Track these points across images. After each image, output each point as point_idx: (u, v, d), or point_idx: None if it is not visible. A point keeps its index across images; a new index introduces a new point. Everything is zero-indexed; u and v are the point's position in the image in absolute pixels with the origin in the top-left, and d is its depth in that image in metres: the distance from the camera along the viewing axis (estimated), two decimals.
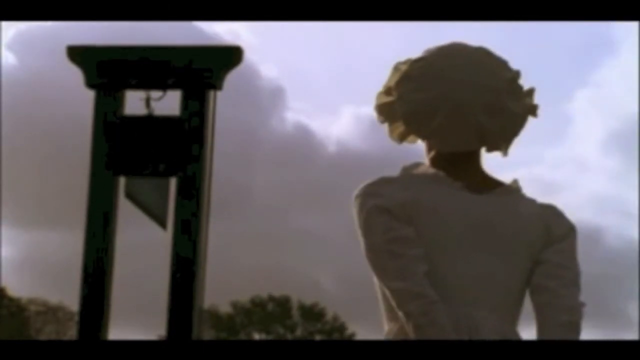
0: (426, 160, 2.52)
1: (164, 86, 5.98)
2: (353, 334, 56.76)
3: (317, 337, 57.13)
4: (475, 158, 2.49)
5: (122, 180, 6.01)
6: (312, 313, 57.54)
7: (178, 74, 5.92)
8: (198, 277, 5.77)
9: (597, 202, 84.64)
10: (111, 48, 6.07)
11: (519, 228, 2.44)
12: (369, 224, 2.38)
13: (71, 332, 48.90)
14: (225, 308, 56.83)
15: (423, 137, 2.50)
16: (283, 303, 57.72)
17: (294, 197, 65.99)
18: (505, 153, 2.54)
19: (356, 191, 2.45)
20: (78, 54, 6.03)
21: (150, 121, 5.99)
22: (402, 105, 2.45)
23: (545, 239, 2.46)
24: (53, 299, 53.11)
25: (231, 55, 5.95)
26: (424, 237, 2.36)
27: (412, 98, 2.43)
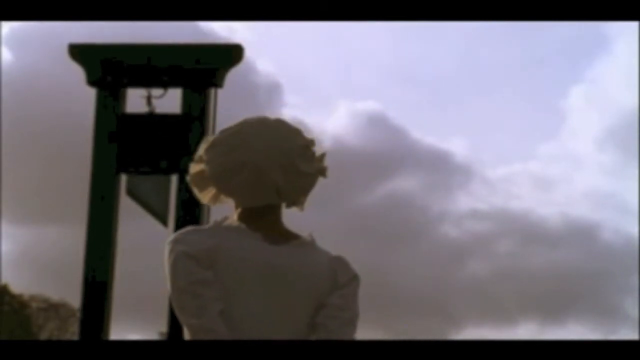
0: (234, 215, 2.86)
1: (165, 84, 5.99)
2: None
3: None
4: (275, 213, 2.87)
5: (123, 178, 6.02)
6: None
7: (179, 72, 5.93)
8: None
9: (592, 197, 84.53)
10: (112, 46, 6.08)
11: (308, 275, 2.79)
12: (175, 268, 2.71)
13: (73, 329, 48.93)
14: None
15: (228, 195, 2.87)
16: None
17: None
18: (301, 208, 2.92)
19: (169, 238, 2.77)
20: (79, 52, 6.05)
21: (151, 119, 6.00)
22: (210, 168, 2.84)
23: (331, 285, 2.79)
24: (54, 295, 53.16)
25: (232, 54, 5.96)
26: (223, 280, 2.70)
27: (218, 161, 2.82)
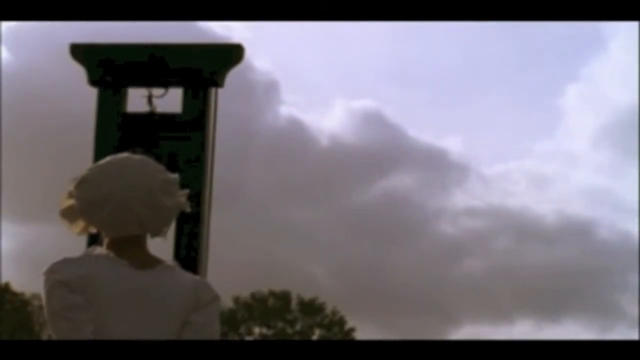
0: (104, 245, 3.16)
1: (165, 84, 6.00)
2: (353, 328, 56.88)
3: (317, 331, 57.29)
4: (140, 241, 3.16)
5: None
6: (312, 307, 57.64)
7: (180, 71, 5.95)
8: (200, 272, 5.80)
9: (588, 195, 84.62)
10: (114, 46, 6.09)
11: (173, 296, 3.08)
12: (50, 295, 3.00)
13: None
14: (226, 303, 56.94)
15: (96, 227, 3.16)
16: (283, 298, 57.84)
17: (287, 191, 65.83)
18: (164, 237, 3.22)
19: (45, 268, 3.05)
20: (81, 52, 6.05)
21: (152, 118, 6.02)
22: (78, 202, 3.12)
23: (194, 304, 3.10)
24: None
25: (233, 54, 5.97)
26: (94, 304, 2.99)
27: (85, 196, 3.11)
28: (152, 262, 3.15)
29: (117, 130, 6.00)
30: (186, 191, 3.25)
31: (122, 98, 6.06)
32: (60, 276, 3.00)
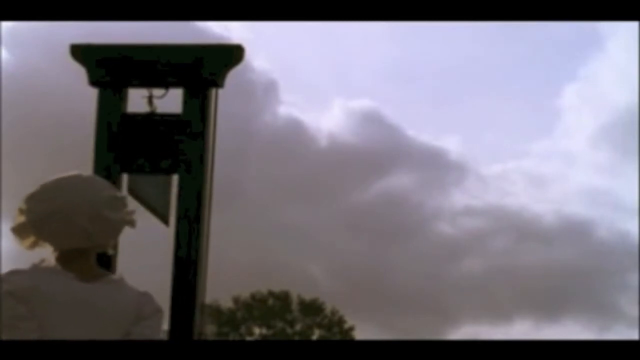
0: (52, 258, 3.28)
1: (166, 84, 6.00)
2: (352, 328, 56.91)
3: (317, 331, 57.32)
4: (86, 255, 3.28)
5: (124, 177, 6.03)
6: (312, 307, 57.63)
7: (180, 72, 5.95)
8: (200, 272, 5.81)
9: (586, 195, 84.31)
10: (115, 47, 6.09)
11: (115, 308, 3.22)
12: None
13: None
14: (226, 303, 56.93)
15: (45, 240, 3.29)
16: (283, 298, 57.87)
17: (285, 191, 65.72)
18: (110, 251, 3.37)
19: None
20: (81, 52, 6.06)
21: (152, 119, 6.02)
22: (28, 216, 3.27)
23: (136, 316, 3.24)
24: None
25: (233, 54, 5.99)
26: (40, 315, 3.13)
27: (35, 209, 3.26)
28: (98, 275, 3.28)
29: (117, 130, 6.00)
30: (133, 209, 3.39)
31: (122, 98, 6.07)
32: (9, 287, 3.15)
